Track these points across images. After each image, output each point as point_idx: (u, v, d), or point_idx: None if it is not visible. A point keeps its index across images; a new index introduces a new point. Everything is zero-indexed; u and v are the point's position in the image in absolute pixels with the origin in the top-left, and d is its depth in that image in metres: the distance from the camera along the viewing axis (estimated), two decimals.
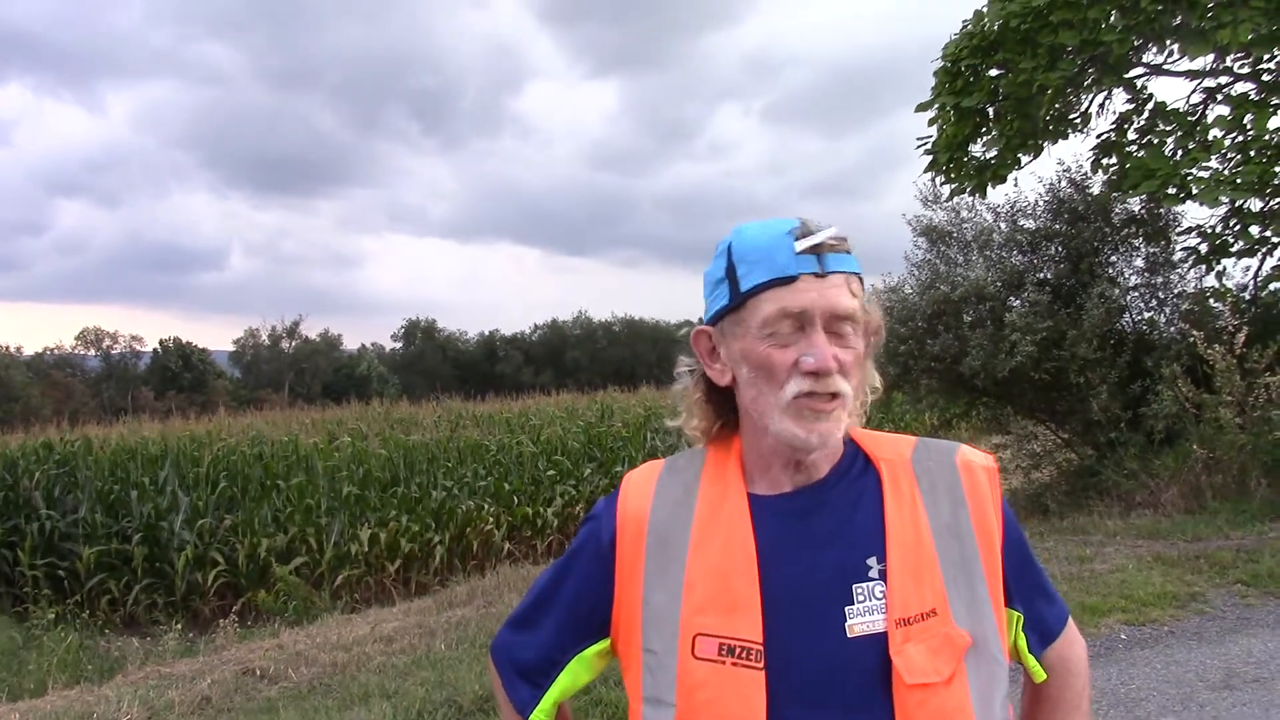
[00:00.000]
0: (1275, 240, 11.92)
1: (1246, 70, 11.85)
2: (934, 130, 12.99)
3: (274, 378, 74.21)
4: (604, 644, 1.60)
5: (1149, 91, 12.50)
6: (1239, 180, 10.14)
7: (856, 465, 1.56)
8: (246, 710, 6.02)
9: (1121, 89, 12.42)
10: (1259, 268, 12.79)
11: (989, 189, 13.05)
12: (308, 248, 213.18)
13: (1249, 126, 10.82)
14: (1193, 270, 12.84)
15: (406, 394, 48.68)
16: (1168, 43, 11.93)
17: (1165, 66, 12.47)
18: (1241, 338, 10.79)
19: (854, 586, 1.44)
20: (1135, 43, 11.48)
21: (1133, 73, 12.31)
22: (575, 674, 1.63)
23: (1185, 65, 12.11)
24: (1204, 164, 10.62)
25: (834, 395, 1.45)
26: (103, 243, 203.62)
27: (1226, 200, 10.89)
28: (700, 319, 1.63)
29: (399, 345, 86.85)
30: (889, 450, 1.59)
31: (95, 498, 14.23)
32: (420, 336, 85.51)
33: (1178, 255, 12.90)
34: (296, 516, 13.95)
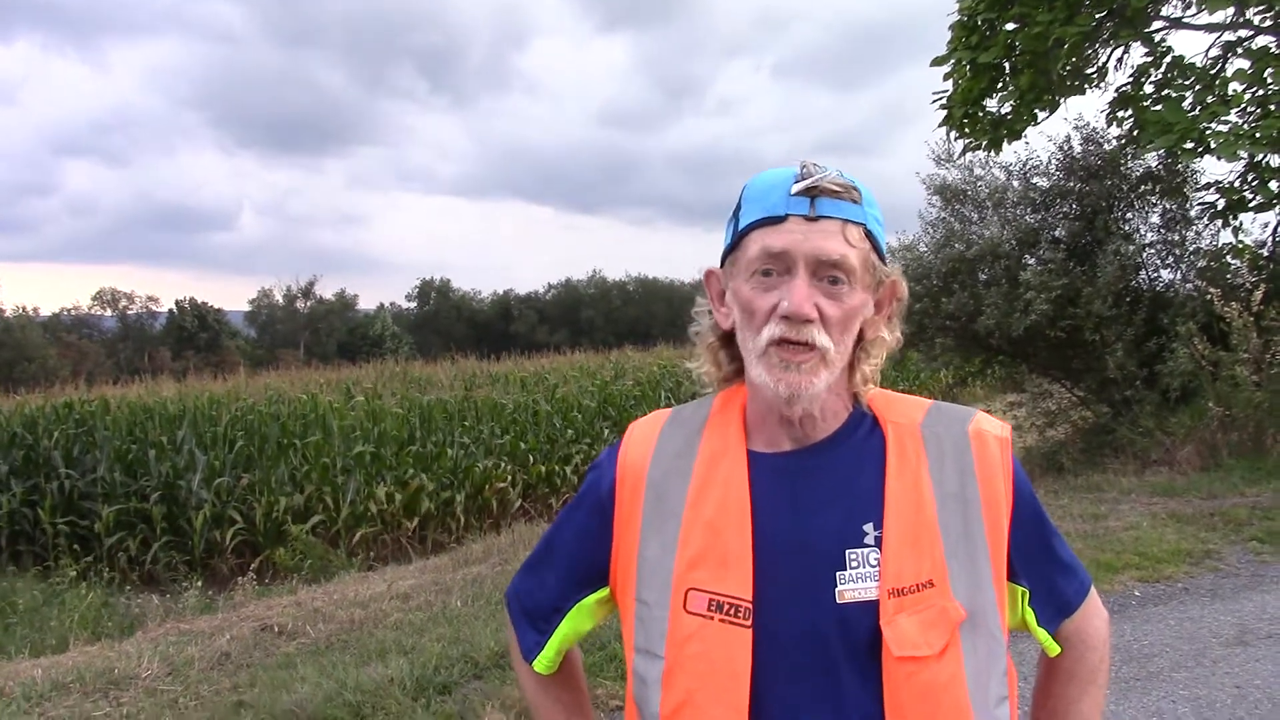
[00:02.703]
0: None
1: (1268, 24, 11.71)
2: (949, 85, 12.90)
3: (289, 337, 74.40)
4: (604, 592, 1.61)
5: (1167, 45, 12.37)
6: (1258, 135, 10.04)
7: (863, 428, 1.52)
8: (265, 665, 6.08)
9: (1139, 42, 12.29)
10: (1277, 224, 12.70)
11: (1004, 145, 12.97)
12: (317, 207, 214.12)
13: (1269, 80, 10.70)
14: (1209, 226, 12.75)
15: (421, 353, 48.90)
16: None
17: (1184, 19, 12.33)
18: (1259, 295, 10.75)
19: (847, 552, 1.41)
20: None
21: (1151, 26, 12.17)
22: (577, 621, 1.64)
23: (1205, 18, 11.98)
24: (1223, 118, 10.52)
25: (809, 346, 1.40)
26: (112, 203, 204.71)
27: (1245, 155, 10.79)
28: None
29: (413, 305, 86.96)
30: (901, 414, 1.54)
31: (113, 457, 14.32)
32: (435, 296, 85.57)
33: (1194, 211, 12.81)
34: (313, 475, 14.03)
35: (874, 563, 1.40)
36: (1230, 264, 12.22)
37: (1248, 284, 11.15)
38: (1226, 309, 10.61)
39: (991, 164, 13.80)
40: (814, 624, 1.39)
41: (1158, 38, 12.27)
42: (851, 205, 1.42)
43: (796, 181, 1.42)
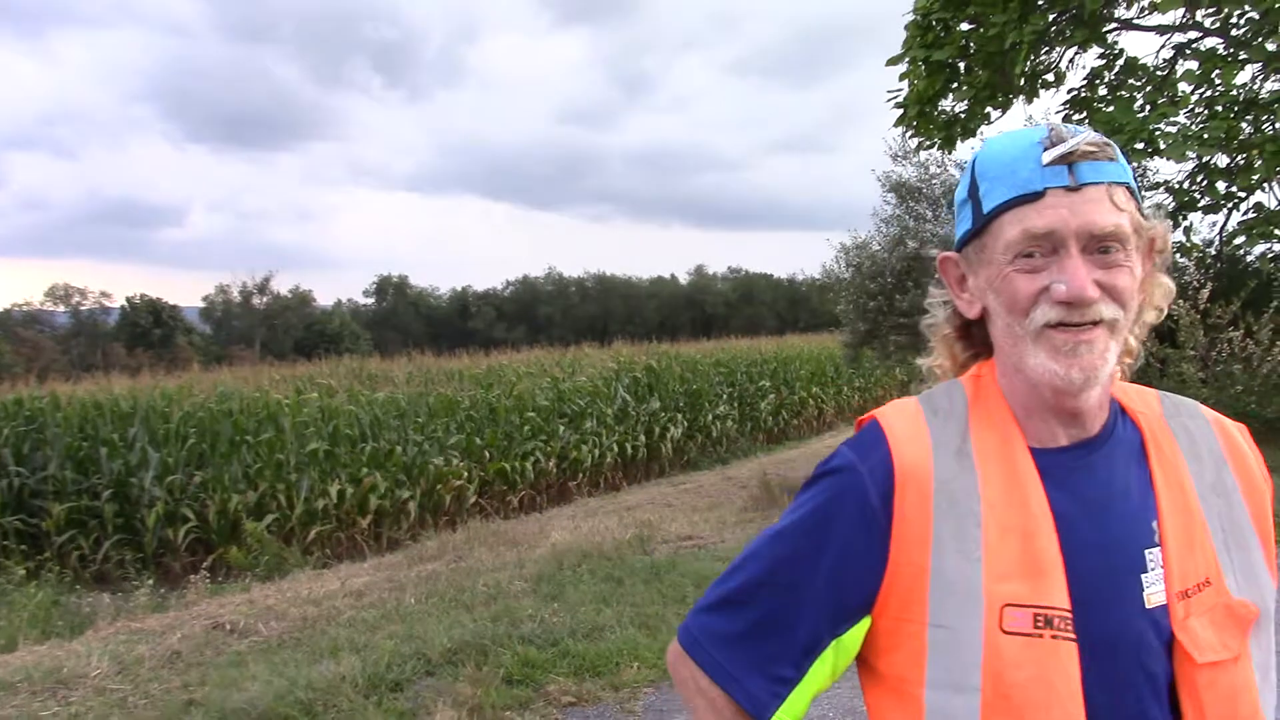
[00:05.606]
0: (1241, 196, 12.01)
1: (1216, 25, 11.88)
2: (904, 84, 12.99)
3: (245, 334, 73.92)
4: (866, 622, 1.34)
5: (1120, 47, 12.53)
6: (1206, 136, 10.18)
7: (1121, 420, 1.39)
8: (216, 664, 6.05)
9: (1095, 44, 12.44)
10: (1224, 223, 12.90)
11: (957, 144, 13.09)
12: (271, 203, 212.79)
13: (1217, 82, 10.87)
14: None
15: (379, 350, 48.67)
16: None
17: (1136, 21, 12.49)
18: (1205, 293, 10.91)
19: (1146, 552, 1.29)
20: None
21: (1105, 28, 12.31)
22: (833, 662, 1.35)
23: (1156, 19, 12.14)
24: (1172, 119, 10.66)
25: (1094, 323, 1.25)
26: (63, 198, 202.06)
27: (1193, 155, 10.94)
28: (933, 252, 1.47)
29: (371, 301, 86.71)
30: (1139, 403, 1.43)
31: (64, 454, 14.17)
32: (392, 293, 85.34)
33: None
34: (266, 472, 13.94)
35: (1161, 563, 1.30)
36: (1179, 263, 12.40)
37: (1195, 283, 11.33)
38: (1174, 307, 10.76)
39: (946, 162, 13.94)
40: (1127, 632, 1.27)
41: (1111, 39, 12.43)
42: (1111, 165, 1.28)
43: (1046, 149, 1.28)
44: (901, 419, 1.37)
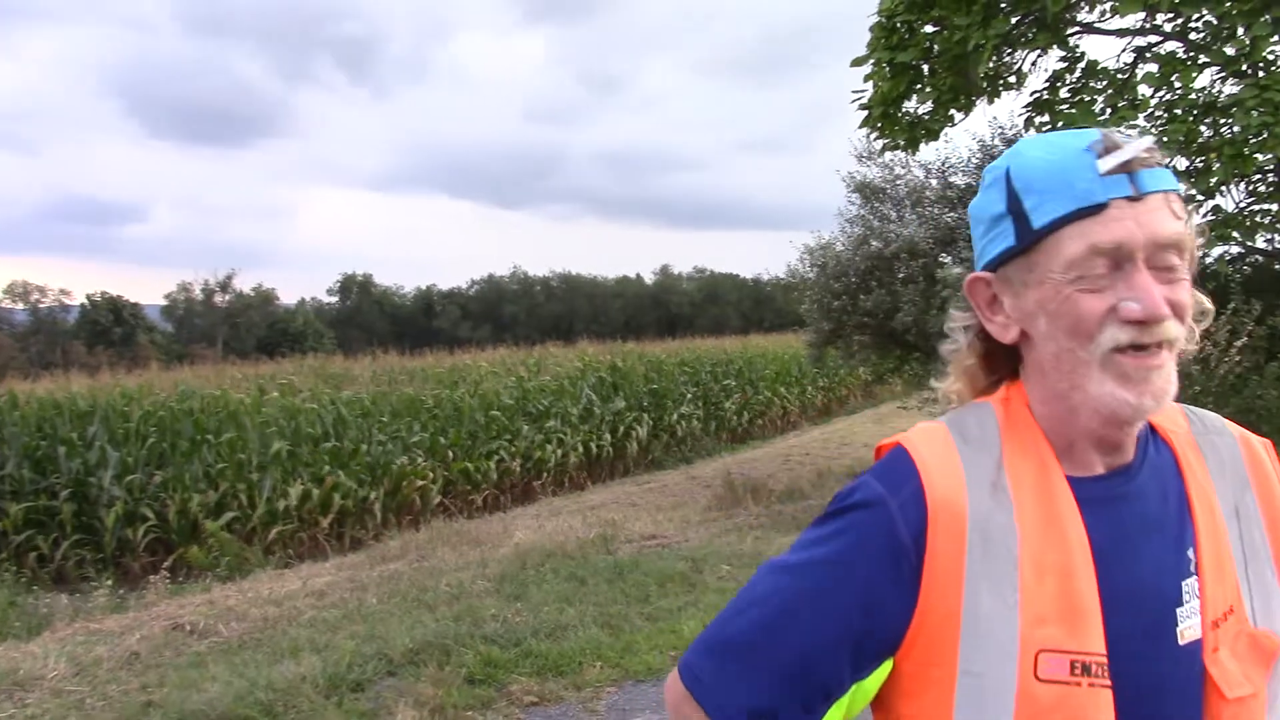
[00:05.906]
0: (1200, 199, 12.14)
1: (1176, 29, 12.00)
2: (869, 86, 13.06)
3: (207, 332, 73.35)
4: (888, 666, 1.25)
5: (1081, 50, 12.63)
6: (1165, 139, 10.27)
7: (1152, 440, 1.31)
8: (175, 665, 6.00)
9: (1056, 46, 12.54)
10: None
11: (921, 145, 13.16)
12: (235, 200, 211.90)
13: (1176, 85, 10.97)
14: None
15: (343, 349, 48.46)
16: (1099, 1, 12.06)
17: (1097, 25, 12.60)
18: None
19: (1183, 583, 1.22)
20: (1070, 0, 11.58)
21: (1067, 31, 12.42)
22: (849, 704, 1.26)
23: (1117, 23, 12.25)
24: (1132, 122, 10.76)
25: (1159, 344, 1.17)
26: (21, 194, 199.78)
27: None
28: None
29: (335, 300, 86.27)
30: (1169, 422, 1.34)
31: (22, 454, 14.00)
32: (356, 291, 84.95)
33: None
34: (228, 472, 13.83)
35: (1196, 593, 1.23)
36: None
37: None
38: None
39: (911, 163, 14.02)
40: (1162, 672, 1.20)
41: (1072, 42, 12.53)
42: (1165, 171, 1.20)
43: (1100, 157, 1.18)
44: (932, 447, 1.26)
